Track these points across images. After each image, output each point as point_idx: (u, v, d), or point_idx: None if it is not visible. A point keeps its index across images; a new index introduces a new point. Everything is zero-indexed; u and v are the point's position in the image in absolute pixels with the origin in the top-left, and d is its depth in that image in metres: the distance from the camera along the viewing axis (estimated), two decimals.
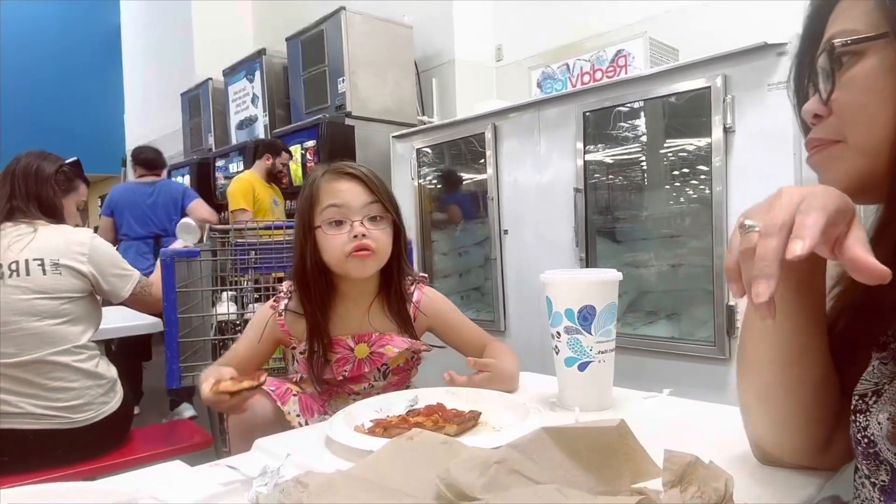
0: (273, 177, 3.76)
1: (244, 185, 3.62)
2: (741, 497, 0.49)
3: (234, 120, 5.05)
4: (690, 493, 0.48)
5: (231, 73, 4.97)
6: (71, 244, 1.57)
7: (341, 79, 3.74)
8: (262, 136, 4.63)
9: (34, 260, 1.50)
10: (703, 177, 2.32)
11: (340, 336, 1.09)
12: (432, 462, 0.57)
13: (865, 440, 0.48)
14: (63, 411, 1.48)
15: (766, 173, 1.97)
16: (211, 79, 5.27)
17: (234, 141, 5.02)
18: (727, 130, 2.11)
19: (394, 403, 0.85)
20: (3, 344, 1.44)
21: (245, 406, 0.89)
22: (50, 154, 1.69)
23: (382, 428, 0.73)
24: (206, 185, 5.03)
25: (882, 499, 0.48)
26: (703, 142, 2.25)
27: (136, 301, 1.73)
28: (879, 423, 0.47)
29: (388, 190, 1.11)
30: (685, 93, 2.26)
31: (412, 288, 1.15)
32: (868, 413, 0.49)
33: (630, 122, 2.55)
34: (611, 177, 2.65)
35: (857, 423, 0.50)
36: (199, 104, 5.49)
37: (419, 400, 0.85)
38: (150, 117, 6.93)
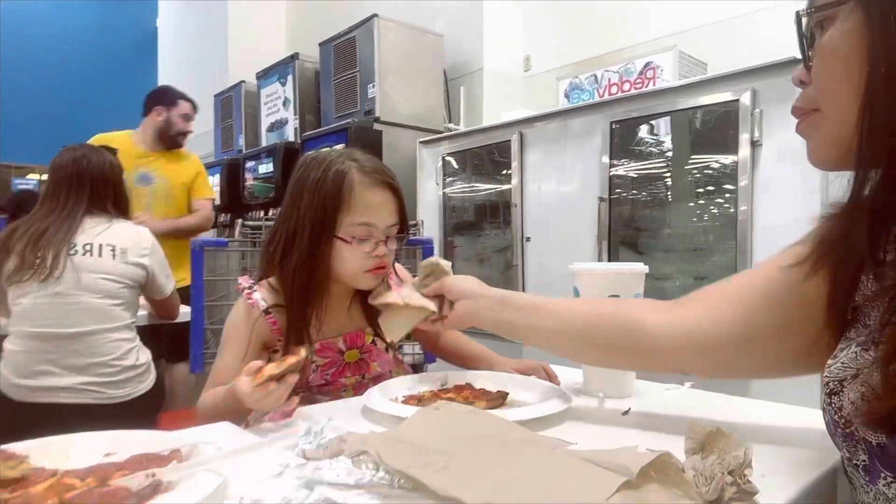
0: (167, 138, 2.88)
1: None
2: (761, 468, 0.52)
3: (265, 122, 5.16)
4: (711, 460, 0.51)
5: (264, 76, 5.09)
6: (139, 240, 1.75)
7: (371, 84, 3.81)
8: (291, 139, 4.73)
9: (106, 245, 1.66)
10: (727, 195, 2.32)
11: (329, 339, 1.00)
12: (456, 426, 0.61)
13: (843, 421, 0.48)
14: (102, 387, 1.56)
15: (794, 188, 1.98)
16: (244, 81, 5.39)
17: (264, 143, 5.13)
18: (755, 144, 2.12)
19: (424, 383, 0.89)
20: (62, 315, 1.56)
21: (292, 399, 0.76)
22: (107, 149, 1.80)
23: (416, 400, 0.77)
24: (236, 185, 5.14)
25: (867, 479, 0.48)
26: (729, 159, 2.26)
27: (167, 303, 1.88)
28: (852, 403, 0.47)
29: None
30: (713, 106, 2.28)
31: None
32: (841, 394, 0.49)
33: (656, 135, 2.57)
34: (635, 192, 2.66)
35: (833, 405, 0.50)
36: (232, 106, 5.62)
37: (448, 381, 0.89)
38: None
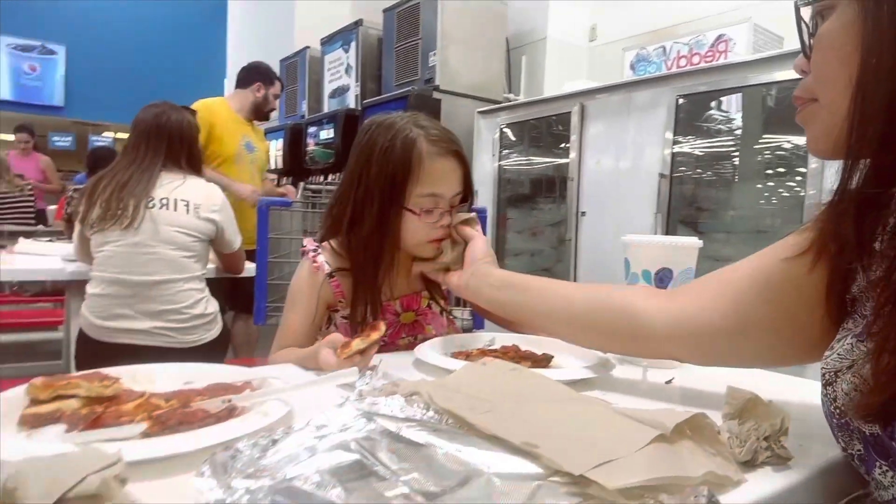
0: (260, 113, 3.14)
1: (201, 111, 2.59)
2: (799, 438, 0.53)
3: (327, 88, 5.25)
4: (747, 426, 0.53)
5: (328, 42, 5.15)
6: (210, 196, 1.86)
7: (433, 52, 3.81)
8: (352, 105, 4.80)
9: (181, 200, 1.78)
10: (798, 178, 2.23)
11: (388, 301, 1.02)
12: (502, 380, 0.65)
13: (837, 411, 0.49)
14: (174, 332, 1.69)
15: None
16: (308, 47, 5.48)
17: (326, 109, 5.22)
18: None
19: (473, 343, 0.93)
20: (140, 264, 1.68)
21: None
22: (187, 109, 1.90)
23: (464, 356, 0.81)
24: (298, 149, 5.27)
25: (863, 468, 0.48)
26: (801, 140, 2.17)
27: (234, 256, 1.99)
28: (846, 394, 0.47)
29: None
30: (788, 82, 2.18)
31: None
32: (835, 384, 0.49)
33: (725, 112, 2.48)
34: (699, 170, 2.59)
35: (828, 396, 0.50)
36: (296, 71, 5.73)
37: (496, 342, 0.93)
38: None
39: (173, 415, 0.56)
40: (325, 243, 1.03)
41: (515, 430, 0.48)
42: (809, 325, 0.57)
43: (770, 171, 2.41)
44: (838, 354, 0.50)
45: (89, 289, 1.74)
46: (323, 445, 0.47)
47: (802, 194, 2.19)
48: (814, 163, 2.10)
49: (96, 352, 1.69)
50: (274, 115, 6.35)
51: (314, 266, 0.99)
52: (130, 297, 1.68)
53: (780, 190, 2.38)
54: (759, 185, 2.45)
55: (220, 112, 2.82)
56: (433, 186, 0.94)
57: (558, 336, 0.80)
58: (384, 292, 1.01)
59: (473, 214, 0.99)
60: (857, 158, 0.48)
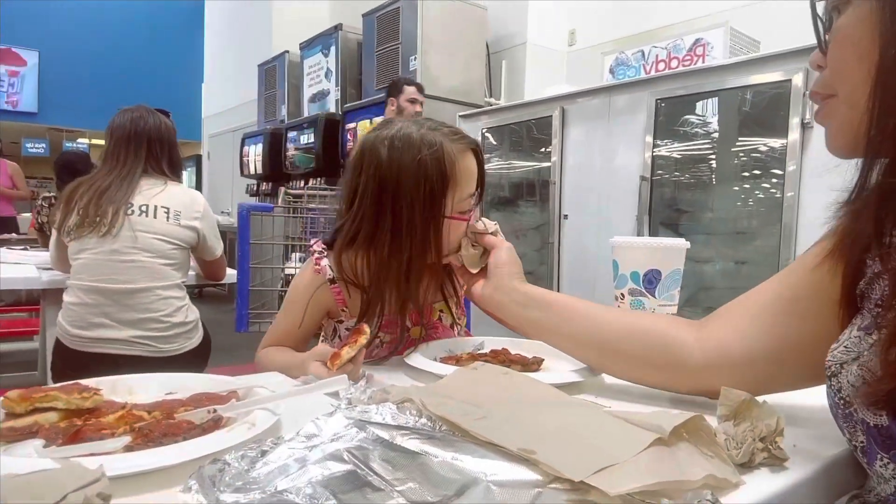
0: None
1: None
2: (794, 438, 0.53)
3: (307, 93, 5.22)
4: (743, 427, 0.52)
5: (307, 46, 5.13)
6: (192, 203, 1.80)
7: (413, 57, 3.81)
8: (332, 110, 4.77)
9: (161, 207, 1.73)
10: (774, 180, 2.27)
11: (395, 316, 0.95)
12: (494, 385, 0.64)
13: (842, 402, 0.49)
14: (154, 341, 1.65)
15: (842, 173, 1.92)
16: (287, 51, 5.45)
17: (306, 113, 5.19)
18: (805, 126, 2.06)
19: (462, 347, 0.92)
20: (118, 272, 1.64)
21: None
22: (161, 112, 1.86)
23: (454, 360, 0.80)
24: (278, 154, 5.23)
25: (865, 460, 0.48)
26: (778, 142, 2.21)
27: (216, 264, 1.93)
28: (852, 384, 0.47)
29: None
30: (764, 86, 2.22)
31: None
32: (840, 375, 0.49)
33: (702, 115, 2.52)
34: (676, 173, 2.62)
35: (832, 387, 0.50)
36: (275, 76, 5.69)
37: (485, 346, 0.92)
38: (226, 87, 7.22)
39: (157, 426, 0.54)
40: (332, 252, 0.96)
41: (511, 436, 0.47)
42: (839, 331, 0.55)
43: (746, 174, 2.44)
44: (845, 347, 0.50)
45: (66, 297, 1.70)
46: (314, 456, 0.45)
47: (779, 195, 2.23)
48: (791, 165, 2.14)
49: (74, 362, 1.65)
50: (252, 118, 6.32)
51: (316, 269, 0.95)
52: (108, 305, 1.64)
53: (757, 192, 2.42)
54: (736, 188, 2.49)
55: None
56: (468, 186, 0.90)
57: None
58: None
59: (496, 224, 0.94)
60: (878, 152, 0.48)
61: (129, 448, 0.50)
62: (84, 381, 0.63)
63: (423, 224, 0.86)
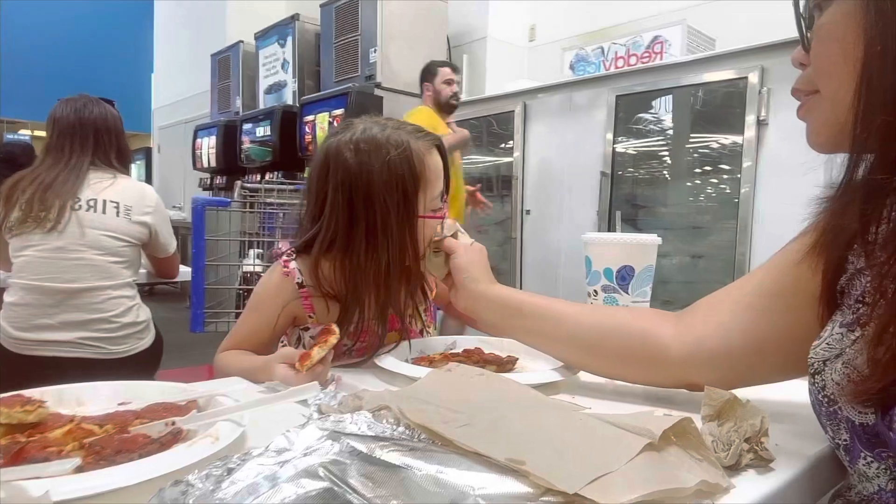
0: (445, 106, 2.96)
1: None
2: (777, 438, 0.52)
3: (262, 84, 5.08)
4: (727, 427, 0.51)
5: (263, 36, 4.99)
6: (143, 197, 1.71)
7: (373, 49, 3.75)
8: (290, 102, 4.66)
9: (111, 202, 1.64)
10: (725, 176, 2.32)
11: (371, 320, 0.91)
12: (471, 387, 0.61)
13: (826, 400, 0.49)
14: (102, 342, 1.56)
15: (798, 169, 1.98)
16: (242, 42, 5.29)
17: (261, 105, 5.06)
18: (760, 123, 2.11)
19: (434, 347, 0.89)
20: (63, 270, 1.55)
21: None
22: (106, 101, 1.75)
23: (427, 361, 0.77)
24: (232, 147, 5.08)
25: (848, 459, 0.48)
26: (730, 139, 2.25)
27: (168, 261, 1.85)
28: (836, 383, 0.47)
29: None
30: (719, 83, 2.26)
31: None
32: (823, 373, 0.49)
33: (660, 112, 2.55)
34: (630, 170, 2.65)
35: (816, 385, 0.50)
36: (229, 66, 5.52)
37: (457, 345, 0.89)
38: (178, 77, 6.97)
39: (109, 442, 0.49)
40: (300, 257, 0.92)
41: (497, 444, 0.44)
42: (819, 327, 0.55)
43: (698, 170, 2.50)
44: (827, 344, 0.50)
45: (7, 297, 1.59)
46: (286, 473, 0.42)
47: (730, 191, 2.28)
48: (747, 161, 2.19)
49: (16, 366, 1.55)
50: (205, 110, 6.12)
51: (284, 272, 0.89)
52: (52, 305, 1.55)
53: (710, 188, 2.47)
54: (690, 184, 2.54)
55: (425, 121, 2.66)
56: (438, 184, 0.89)
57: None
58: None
59: (456, 224, 0.92)
60: (864, 149, 0.47)
61: (79, 469, 0.46)
62: (27, 392, 0.58)
63: (398, 226, 0.84)
